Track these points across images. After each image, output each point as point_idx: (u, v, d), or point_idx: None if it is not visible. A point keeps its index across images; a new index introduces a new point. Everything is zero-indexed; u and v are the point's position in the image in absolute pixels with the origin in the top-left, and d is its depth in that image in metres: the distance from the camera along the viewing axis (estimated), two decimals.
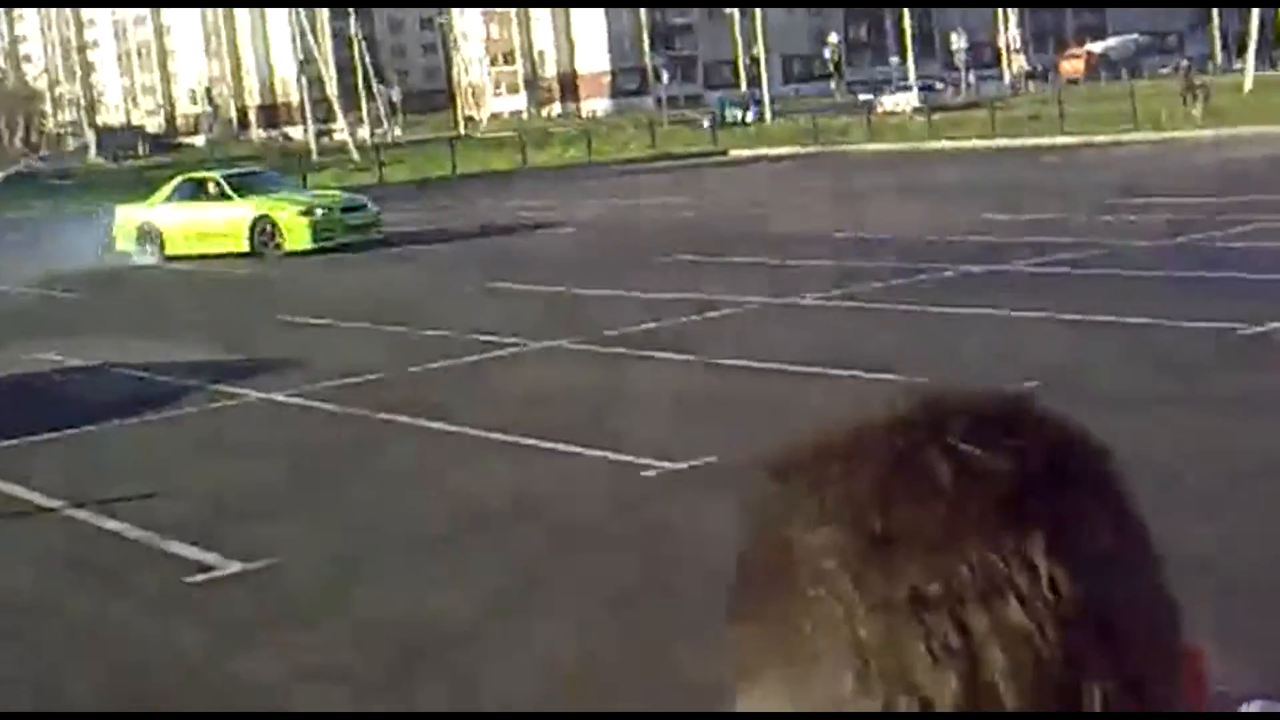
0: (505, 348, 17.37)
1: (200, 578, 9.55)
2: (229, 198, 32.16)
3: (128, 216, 33.72)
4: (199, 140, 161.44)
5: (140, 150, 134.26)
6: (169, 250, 32.03)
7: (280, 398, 15.51)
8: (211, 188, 32.89)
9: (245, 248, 31.14)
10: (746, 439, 11.91)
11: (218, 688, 7.81)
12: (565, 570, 9.23)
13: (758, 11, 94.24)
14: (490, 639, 8.08)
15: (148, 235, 32.60)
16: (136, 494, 11.76)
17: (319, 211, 31.73)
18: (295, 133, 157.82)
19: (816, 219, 29.65)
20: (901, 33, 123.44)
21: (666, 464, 11.28)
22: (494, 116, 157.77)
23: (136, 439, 14.29)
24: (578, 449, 12.04)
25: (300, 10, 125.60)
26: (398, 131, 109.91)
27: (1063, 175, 37.43)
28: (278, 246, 31.00)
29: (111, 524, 10.94)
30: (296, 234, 31.08)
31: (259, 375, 16.73)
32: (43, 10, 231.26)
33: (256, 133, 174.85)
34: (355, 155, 73.72)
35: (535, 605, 8.58)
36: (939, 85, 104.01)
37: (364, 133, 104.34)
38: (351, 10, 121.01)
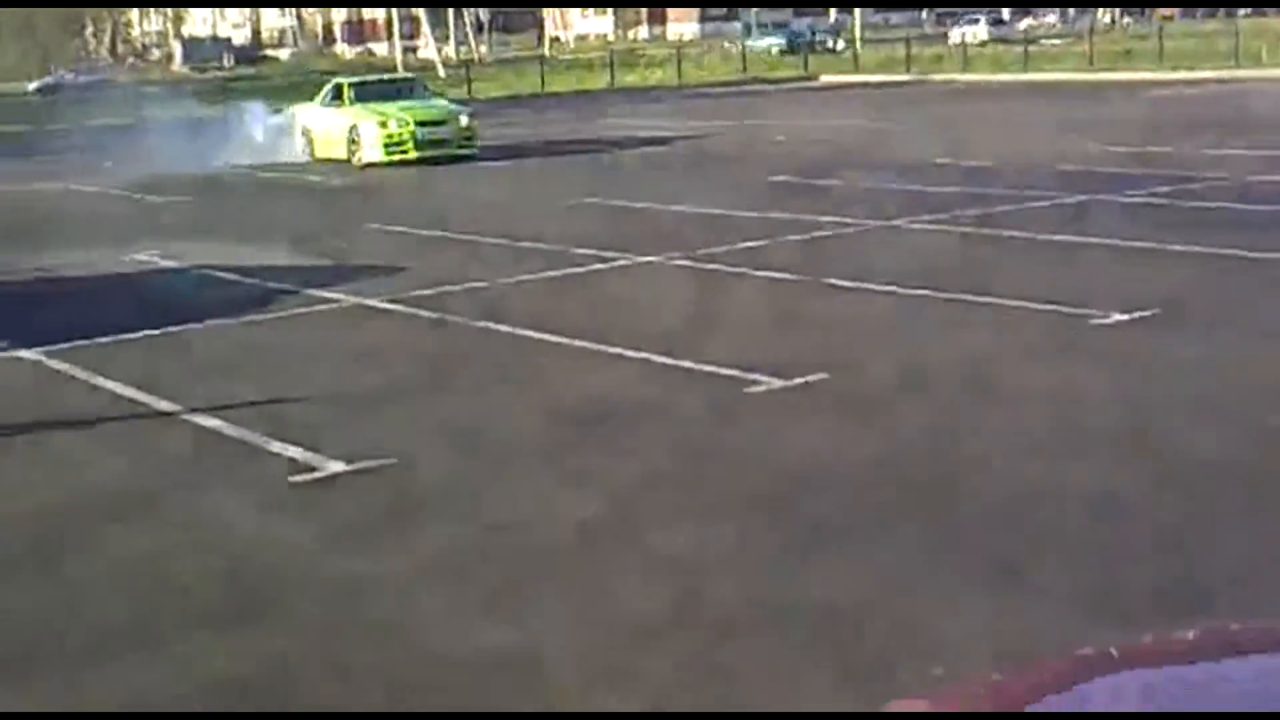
0: (605, 261, 17.09)
1: (305, 478, 9.34)
2: (348, 104, 32.87)
3: (294, 117, 35.13)
4: (284, 54, 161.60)
5: (225, 62, 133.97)
6: (318, 154, 33.07)
7: (375, 303, 15.30)
8: (344, 94, 33.59)
9: (344, 155, 31.86)
10: (854, 357, 11.74)
11: (333, 582, 7.59)
12: (681, 479, 8.96)
13: None
14: (615, 542, 7.86)
15: (305, 136, 33.83)
16: (235, 393, 11.57)
17: (392, 124, 31.47)
18: (380, 49, 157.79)
19: (917, 146, 29.27)
20: None
21: (775, 380, 10.99)
22: (579, 38, 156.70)
23: (230, 339, 14.08)
24: (682, 361, 11.74)
25: None
26: (483, 50, 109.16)
27: (1166, 109, 36.74)
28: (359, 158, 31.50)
29: (210, 421, 10.75)
30: (371, 146, 31.31)
31: (351, 281, 16.54)
32: None
33: (341, 48, 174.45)
34: (441, 72, 73.57)
35: (652, 511, 8.33)
36: (1006, 18, 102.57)
37: (449, 50, 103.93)
38: None
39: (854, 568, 7.28)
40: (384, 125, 31.37)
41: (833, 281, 14.99)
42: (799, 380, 10.95)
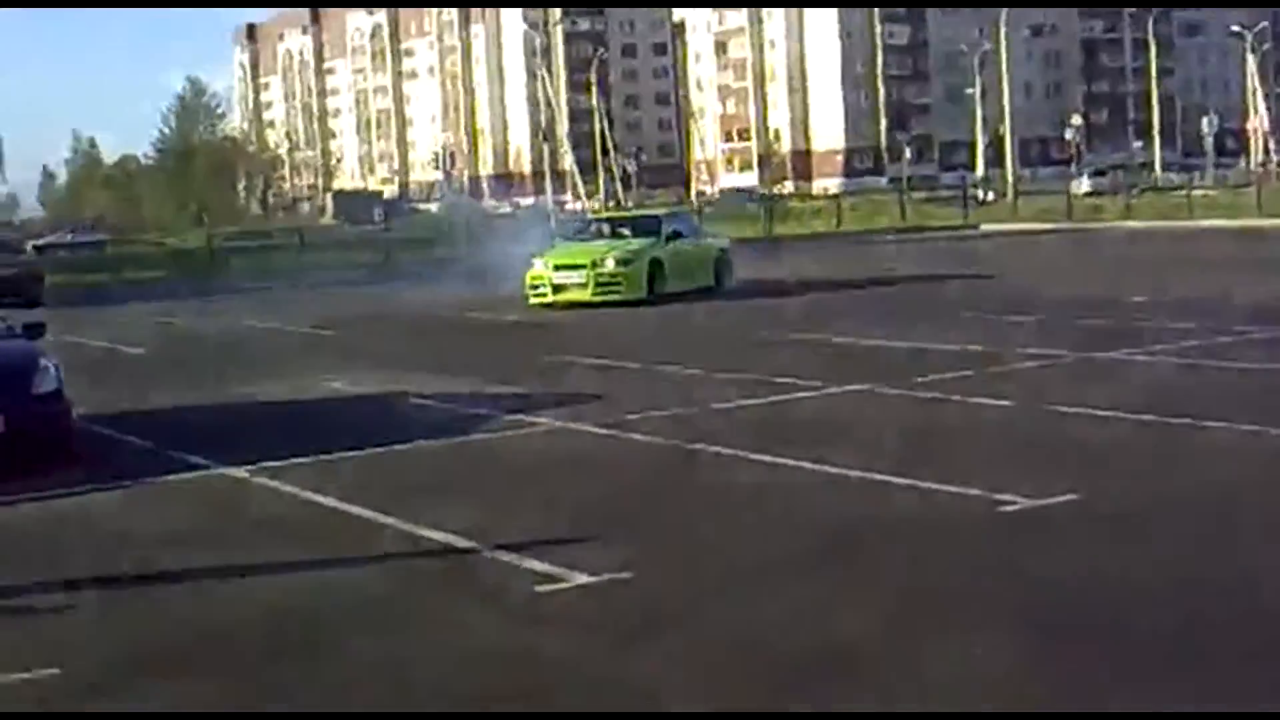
0: (814, 390, 16.70)
1: (549, 588, 8.98)
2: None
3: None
4: (432, 207, 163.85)
5: (375, 215, 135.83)
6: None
7: (581, 426, 15.00)
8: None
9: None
10: (1100, 479, 11.28)
11: (591, 688, 7.22)
12: (942, 595, 8.49)
13: (1005, 93, 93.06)
14: (881, 662, 7.41)
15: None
16: (457, 508, 11.28)
17: (605, 264, 30.14)
18: (526, 202, 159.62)
19: (1099, 284, 28.90)
20: (1147, 117, 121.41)
21: (1024, 500, 10.52)
22: (724, 191, 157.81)
23: (438, 459, 13.83)
24: (920, 482, 11.30)
25: (542, 82, 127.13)
26: (629, 204, 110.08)
27: None
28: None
29: (440, 535, 10.43)
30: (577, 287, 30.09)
31: (553, 406, 16.26)
32: (288, 76, 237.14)
33: (489, 202, 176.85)
34: None
35: (917, 628, 7.87)
36: (1112, 171, 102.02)
37: (596, 204, 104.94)
38: (593, 84, 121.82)
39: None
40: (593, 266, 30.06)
41: (1056, 408, 14.54)
42: (1051, 499, 10.50)
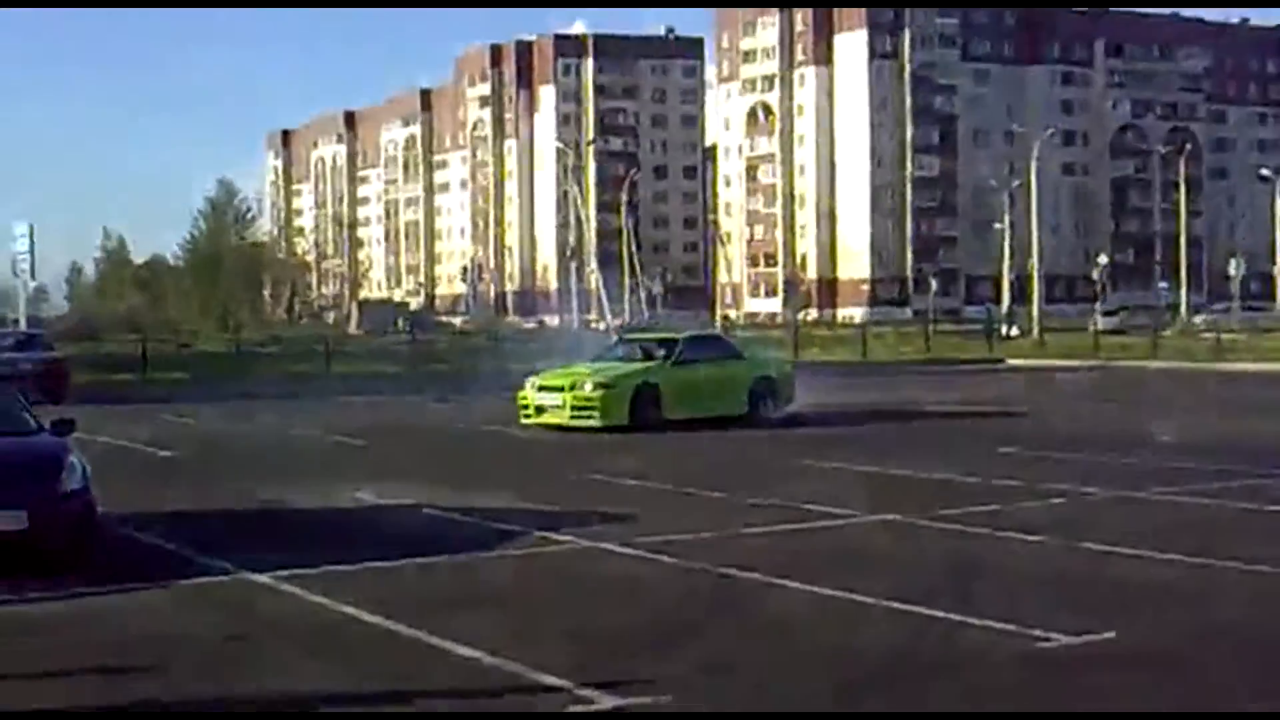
0: (840, 518, 16.59)
1: (578, 709, 8.85)
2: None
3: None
4: (457, 320, 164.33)
5: (399, 325, 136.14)
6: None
7: (608, 546, 14.88)
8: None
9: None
10: (1136, 618, 11.17)
11: None
12: None
13: (1033, 229, 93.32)
14: None
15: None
16: (484, 624, 11.16)
17: (583, 388, 28.67)
18: (551, 320, 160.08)
19: (1127, 423, 28.74)
20: (1175, 257, 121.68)
21: (1063, 637, 10.39)
22: (749, 316, 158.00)
23: (466, 573, 13.73)
24: (952, 615, 11.17)
25: (573, 200, 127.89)
26: (657, 324, 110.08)
27: None
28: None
29: (466, 651, 10.31)
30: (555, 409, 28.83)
31: (580, 525, 16.13)
32: (319, 184, 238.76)
33: (512, 318, 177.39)
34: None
35: None
36: (1123, 310, 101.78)
37: (618, 322, 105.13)
38: (623, 204, 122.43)
39: None
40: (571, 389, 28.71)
41: (1086, 545, 14.42)
42: (1090, 636, 10.37)
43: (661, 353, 30.70)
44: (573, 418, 28.37)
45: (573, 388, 28.74)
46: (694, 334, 35.35)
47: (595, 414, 28.28)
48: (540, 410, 28.96)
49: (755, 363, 32.38)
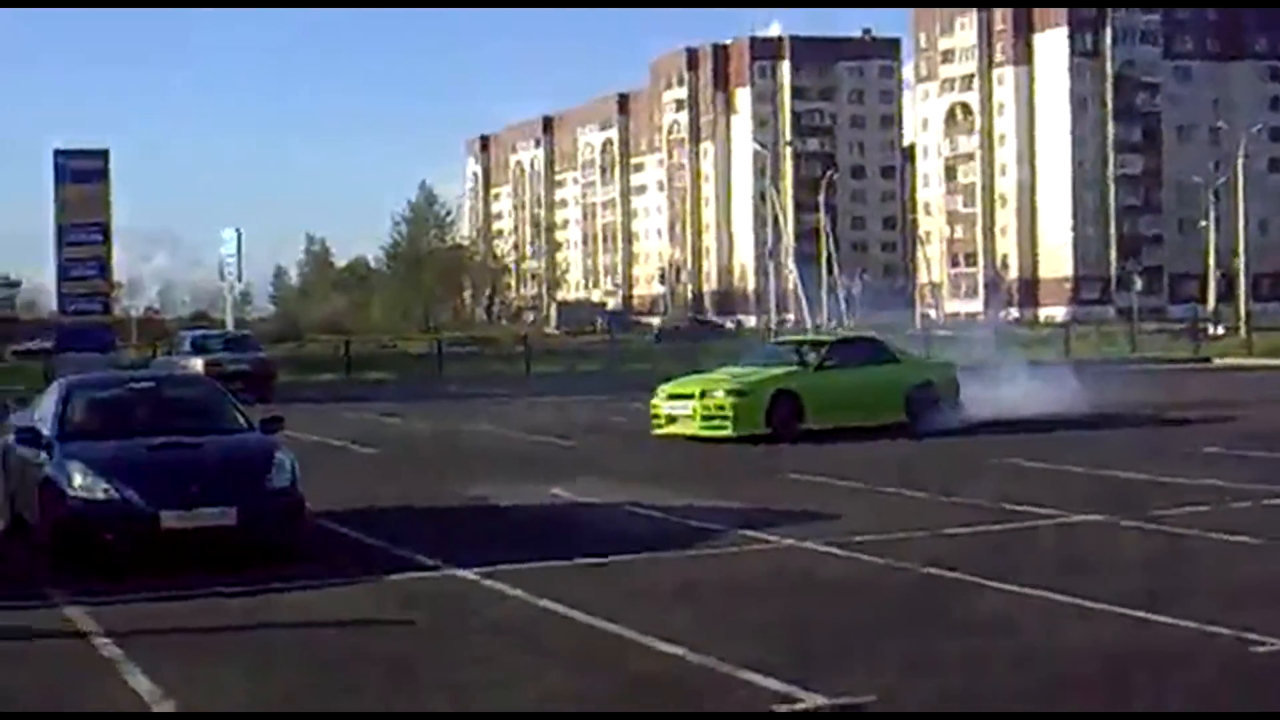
0: (1045, 518, 16.36)
1: (783, 709, 8.80)
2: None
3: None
4: (654, 320, 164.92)
5: (598, 325, 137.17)
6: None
7: (812, 545, 14.80)
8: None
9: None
10: None
11: None
12: None
13: (1240, 227, 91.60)
14: None
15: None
16: (690, 621, 11.15)
17: (714, 395, 26.88)
18: (748, 320, 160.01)
19: None
20: None
21: (1276, 641, 10.13)
22: (950, 316, 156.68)
23: (671, 572, 13.70)
24: (1161, 616, 10.95)
25: (771, 201, 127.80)
26: (851, 324, 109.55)
27: None
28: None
29: (669, 648, 10.29)
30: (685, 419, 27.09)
31: (782, 524, 16.06)
32: (518, 188, 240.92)
33: (711, 318, 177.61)
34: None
35: None
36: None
37: (817, 322, 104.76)
38: (821, 205, 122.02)
39: None
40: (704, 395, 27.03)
41: None
42: None
43: (810, 356, 28.75)
44: (703, 427, 26.54)
45: (703, 395, 26.90)
46: (845, 336, 33.68)
47: (728, 423, 26.32)
48: (671, 420, 27.17)
49: (913, 366, 30.00)
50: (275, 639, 11.11)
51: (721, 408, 26.48)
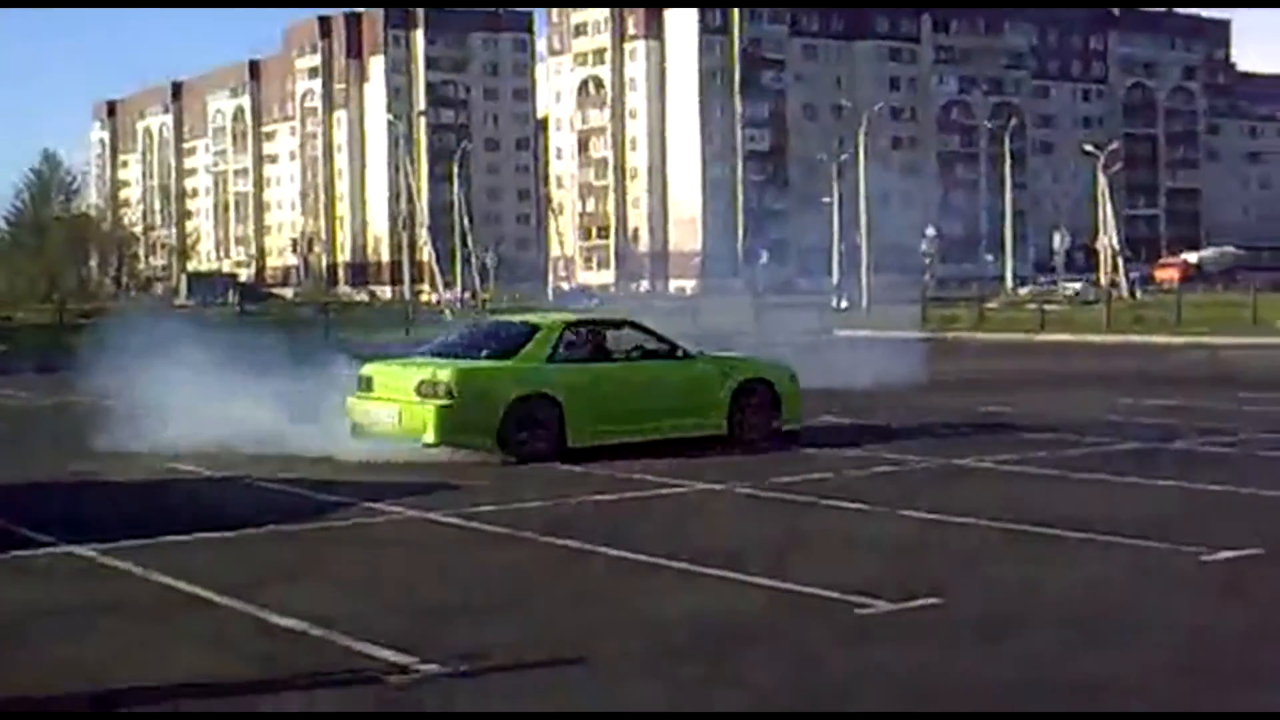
0: (674, 487, 16.81)
1: (401, 679, 8.93)
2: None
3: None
4: (288, 292, 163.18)
5: (229, 298, 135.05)
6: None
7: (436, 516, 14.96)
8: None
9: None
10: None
11: None
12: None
13: (861, 203, 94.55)
14: None
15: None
16: (309, 593, 11.20)
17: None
18: (383, 292, 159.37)
19: (953, 396, 28.84)
20: (1000, 232, 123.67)
21: (883, 603, 10.62)
22: (582, 288, 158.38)
23: (294, 544, 13.72)
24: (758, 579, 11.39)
25: (404, 172, 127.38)
26: (486, 296, 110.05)
27: (1193, 367, 36.76)
28: None
29: (287, 621, 10.32)
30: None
31: (409, 496, 16.15)
32: (146, 156, 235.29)
33: (344, 289, 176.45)
34: (448, 315, 74.70)
35: None
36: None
37: (450, 295, 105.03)
38: (454, 176, 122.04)
39: None
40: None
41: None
42: None
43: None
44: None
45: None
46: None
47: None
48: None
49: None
50: None
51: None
